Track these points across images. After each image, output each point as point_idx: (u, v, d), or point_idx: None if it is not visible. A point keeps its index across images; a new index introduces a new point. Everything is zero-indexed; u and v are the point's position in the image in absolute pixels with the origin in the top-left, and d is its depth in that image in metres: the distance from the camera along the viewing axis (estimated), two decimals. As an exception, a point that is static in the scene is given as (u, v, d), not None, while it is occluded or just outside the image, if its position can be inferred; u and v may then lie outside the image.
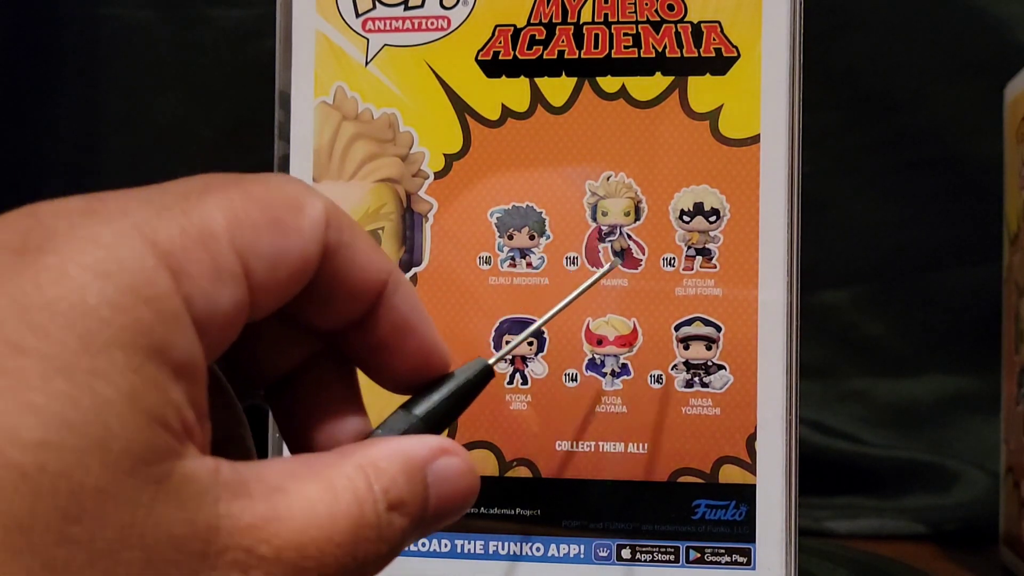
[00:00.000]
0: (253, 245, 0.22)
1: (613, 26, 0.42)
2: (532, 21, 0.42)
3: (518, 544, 0.41)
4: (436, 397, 0.26)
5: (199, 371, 0.21)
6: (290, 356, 0.26)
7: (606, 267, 0.37)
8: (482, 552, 0.41)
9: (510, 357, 0.41)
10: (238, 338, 0.23)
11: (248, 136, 0.65)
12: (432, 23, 0.45)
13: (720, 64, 0.41)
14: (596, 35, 0.42)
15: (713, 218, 0.41)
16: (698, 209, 0.41)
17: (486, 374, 0.27)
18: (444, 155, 0.44)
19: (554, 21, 0.42)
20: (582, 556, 0.40)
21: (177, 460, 0.20)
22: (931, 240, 0.61)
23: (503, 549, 0.41)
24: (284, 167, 0.48)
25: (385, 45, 0.46)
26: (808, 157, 0.61)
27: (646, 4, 0.42)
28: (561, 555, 0.40)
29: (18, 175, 0.65)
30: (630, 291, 0.41)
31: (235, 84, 0.64)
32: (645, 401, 0.40)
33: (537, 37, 0.42)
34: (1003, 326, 0.49)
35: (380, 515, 0.23)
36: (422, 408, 0.26)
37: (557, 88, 0.42)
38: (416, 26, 0.45)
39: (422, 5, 0.46)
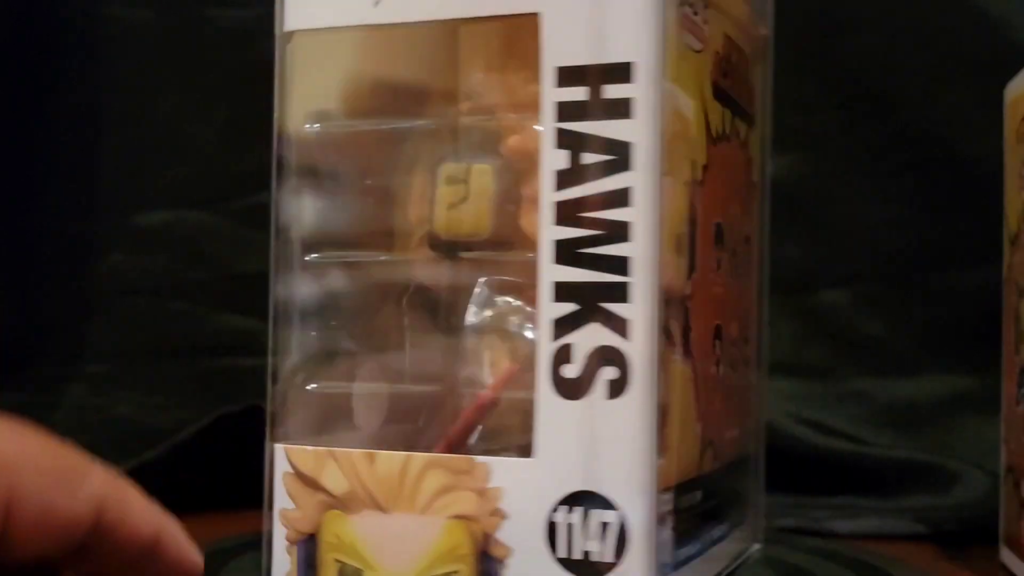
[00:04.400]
0: (27, 485, 0.24)
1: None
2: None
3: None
4: None
5: None
6: None
7: None
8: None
9: None
10: None
11: (248, 136, 0.65)
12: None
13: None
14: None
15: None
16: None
17: None
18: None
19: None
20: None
21: None
22: (931, 240, 0.61)
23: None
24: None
25: None
26: (808, 157, 0.61)
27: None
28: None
29: (18, 175, 0.65)
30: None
31: (235, 84, 0.64)
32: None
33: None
34: (1003, 326, 0.49)
35: None
36: None
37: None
38: None
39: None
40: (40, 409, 0.63)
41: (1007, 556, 0.47)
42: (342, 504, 0.36)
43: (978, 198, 0.59)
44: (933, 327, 0.61)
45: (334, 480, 0.36)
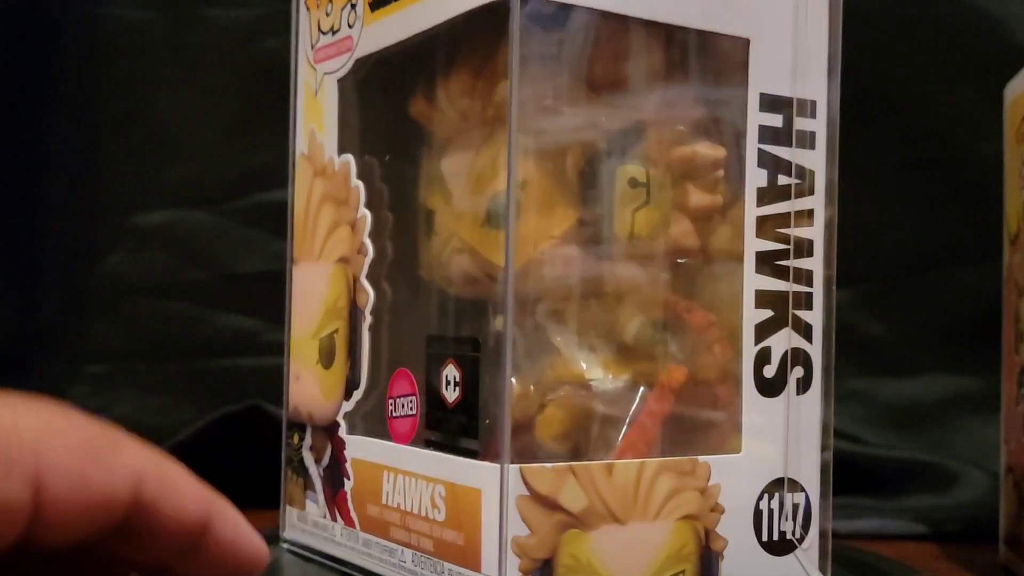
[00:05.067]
0: (56, 459, 0.22)
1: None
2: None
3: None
4: None
5: None
6: None
7: None
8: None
9: None
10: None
11: (248, 136, 0.65)
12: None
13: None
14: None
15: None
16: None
17: None
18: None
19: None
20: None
21: None
22: (931, 240, 0.61)
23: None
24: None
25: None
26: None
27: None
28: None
29: (18, 175, 0.65)
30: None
31: (235, 84, 0.64)
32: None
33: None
34: (1003, 326, 0.49)
35: None
36: None
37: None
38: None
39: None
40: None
41: (1007, 556, 0.47)
42: (581, 522, 0.34)
43: (978, 198, 0.59)
44: (933, 327, 0.61)
45: (573, 497, 0.34)
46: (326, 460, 0.42)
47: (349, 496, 0.41)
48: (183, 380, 0.64)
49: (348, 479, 0.41)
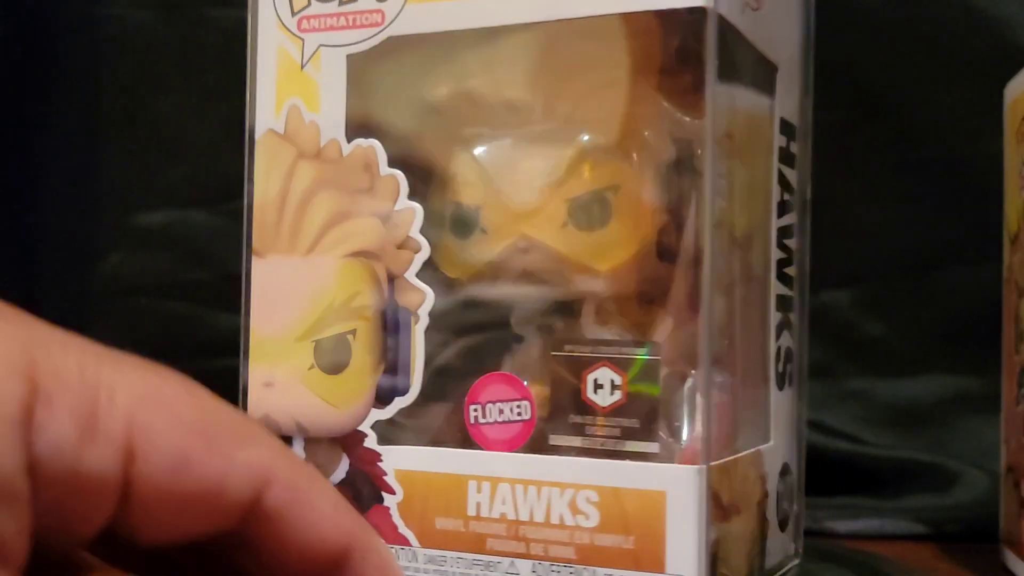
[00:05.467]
0: (156, 431, 0.19)
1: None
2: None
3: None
4: None
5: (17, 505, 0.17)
6: None
7: None
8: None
9: None
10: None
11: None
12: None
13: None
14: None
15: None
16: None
17: None
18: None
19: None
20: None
21: None
22: (931, 240, 0.61)
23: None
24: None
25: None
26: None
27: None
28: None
29: (18, 175, 0.65)
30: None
31: (235, 84, 0.64)
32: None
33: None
34: (1003, 326, 0.49)
35: None
36: None
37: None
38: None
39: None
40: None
41: (1007, 556, 0.47)
42: (725, 515, 0.36)
43: (978, 198, 0.59)
44: (933, 327, 0.61)
45: (728, 492, 0.36)
46: (339, 475, 0.40)
47: (395, 511, 0.38)
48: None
49: (393, 493, 0.38)
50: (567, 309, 0.39)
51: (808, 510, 0.55)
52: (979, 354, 0.57)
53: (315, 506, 0.20)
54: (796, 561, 0.45)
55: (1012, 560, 0.46)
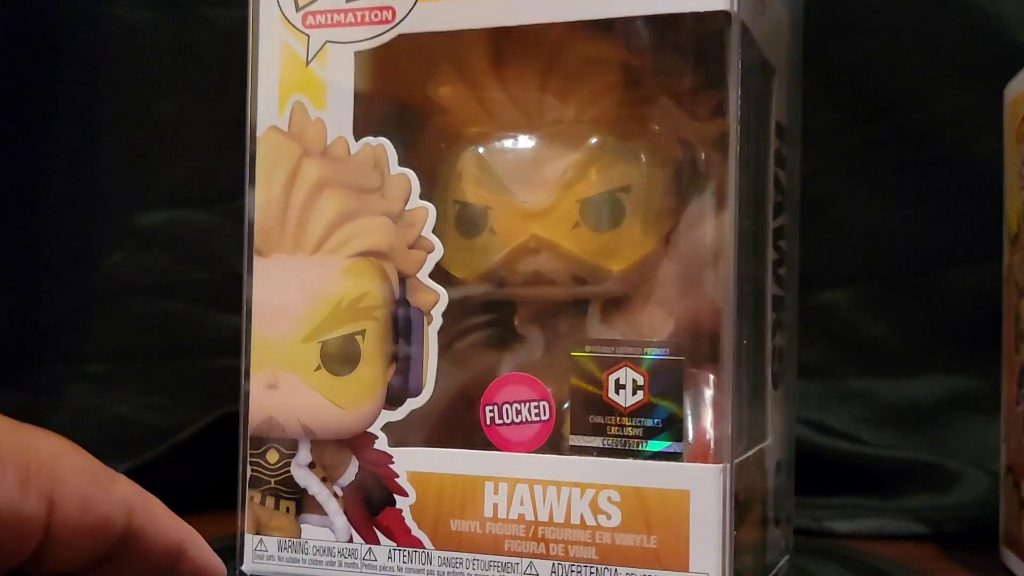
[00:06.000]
0: (67, 479, 0.25)
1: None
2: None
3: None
4: None
5: None
6: None
7: None
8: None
9: None
10: None
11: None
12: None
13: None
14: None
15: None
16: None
17: None
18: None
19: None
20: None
21: None
22: (931, 240, 0.61)
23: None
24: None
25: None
26: (808, 157, 0.61)
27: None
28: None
29: (18, 175, 0.65)
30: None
31: (235, 84, 0.64)
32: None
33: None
34: (1003, 326, 0.49)
35: None
36: None
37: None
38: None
39: None
40: (40, 409, 0.63)
41: (1007, 556, 0.47)
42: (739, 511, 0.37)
43: (978, 198, 0.59)
44: (933, 327, 0.61)
45: (740, 490, 0.38)
46: (348, 477, 0.39)
47: (408, 514, 0.38)
48: (183, 380, 0.64)
49: (405, 496, 0.38)
50: (572, 309, 0.39)
51: (808, 510, 0.55)
52: (979, 354, 0.57)
53: (160, 517, 0.27)
54: (787, 556, 0.45)
55: (1012, 560, 0.46)
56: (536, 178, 0.38)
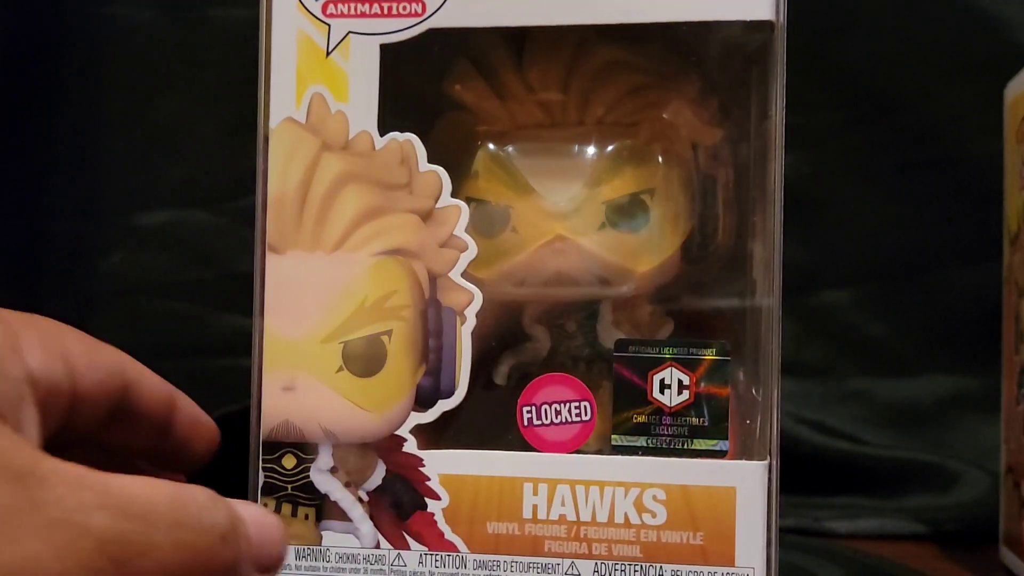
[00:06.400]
0: (73, 344, 0.28)
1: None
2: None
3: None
4: None
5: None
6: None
7: None
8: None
9: None
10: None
11: (248, 137, 0.65)
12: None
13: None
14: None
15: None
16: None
17: None
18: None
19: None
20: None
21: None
22: (931, 240, 0.61)
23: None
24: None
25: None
26: (808, 157, 0.61)
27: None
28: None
29: (18, 175, 0.65)
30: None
31: (235, 84, 0.64)
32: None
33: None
34: (1003, 326, 0.49)
35: (200, 504, 0.24)
36: None
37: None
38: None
39: None
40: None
41: (1007, 556, 0.47)
42: None
43: (978, 198, 0.59)
44: (933, 327, 0.61)
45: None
46: (375, 482, 0.38)
47: (441, 517, 0.37)
48: (183, 380, 0.64)
49: (438, 499, 0.37)
50: (580, 309, 0.39)
51: (808, 510, 0.55)
52: (979, 354, 0.57)
53: (146, 370, 0.30)
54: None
55: (1012, 560, 0.46)
56: (561, 179, 0.38)
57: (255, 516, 0.25)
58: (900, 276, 0.62)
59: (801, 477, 0.56)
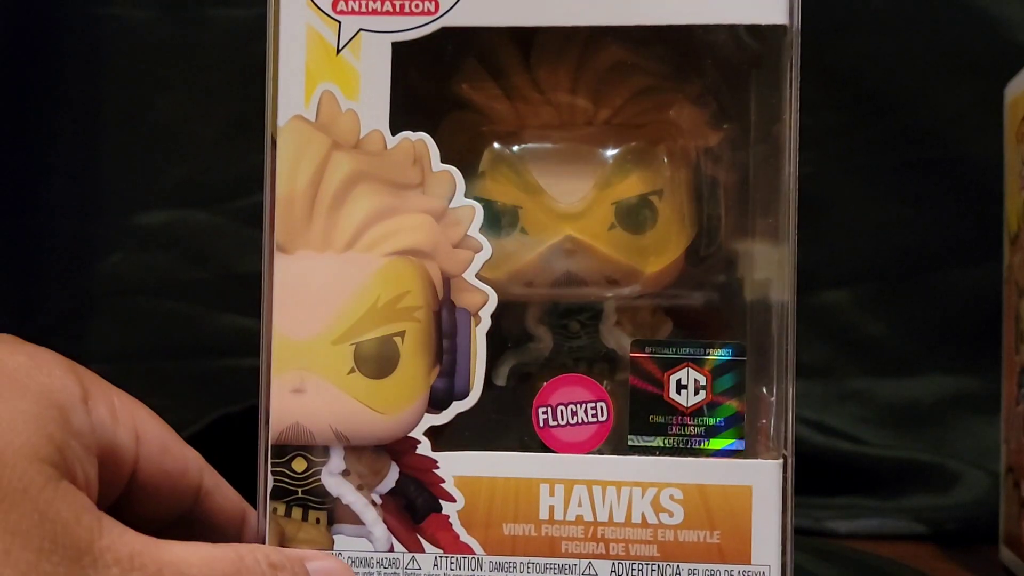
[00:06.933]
0: (146, 419, 0.28)
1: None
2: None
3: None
4: None
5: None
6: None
7: None
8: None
9: None
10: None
11: (248, 137, 0.65)
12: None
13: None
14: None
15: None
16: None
17: None
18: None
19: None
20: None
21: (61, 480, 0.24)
22: (931, 240, 0.61)
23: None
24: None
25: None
26: (808, 157, 0.61)
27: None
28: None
29: (18, 175, 0.65)
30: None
31: (235, 84, 0.64)
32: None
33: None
34: (1003, 326, 0.49)
35: (261, 566, 0.25)
36: None
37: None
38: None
39: None
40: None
41: (1007, 556, 0.47)
42: None
43: (978, 198, 0.59)
44: (933, 327, 0.61)
45: None
46: (388, 484, 0.37)
47: (456, 520, 0.37)
48: (183, 380, 0.64)
49: (453, 501, 0.37)
50: (585, 310, 0.39)
51: (808, 510, 0.55)
52: (979, 354, 0.57)
53: (223, 482, 0.30)
54: None
55: (1012, 560, 0.46)
56: (570, 179, 0.38)
57: (324, 570, 0.26)
58: (900, 276, 0.62)
59: (801, 477, 0.56)
